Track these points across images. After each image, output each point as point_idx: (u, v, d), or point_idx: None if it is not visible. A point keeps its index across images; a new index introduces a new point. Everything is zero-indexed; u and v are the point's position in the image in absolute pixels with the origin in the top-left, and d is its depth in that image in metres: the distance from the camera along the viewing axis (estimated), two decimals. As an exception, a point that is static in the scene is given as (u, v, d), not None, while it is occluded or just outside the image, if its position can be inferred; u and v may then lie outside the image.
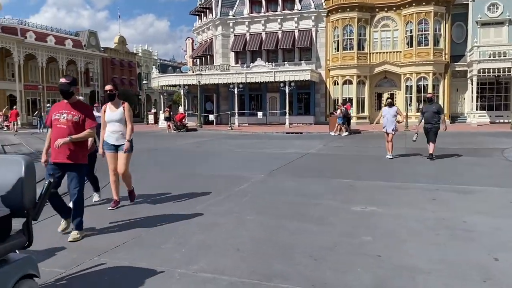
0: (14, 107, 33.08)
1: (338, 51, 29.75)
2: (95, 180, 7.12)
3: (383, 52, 29.42)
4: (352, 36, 29.18)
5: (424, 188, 7.88)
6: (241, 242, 4.89)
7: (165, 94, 61.31)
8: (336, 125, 22.21)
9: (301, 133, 24.73)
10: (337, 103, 29.86)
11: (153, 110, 41.70)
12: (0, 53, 39.21)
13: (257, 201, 7.01)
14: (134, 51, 63.85)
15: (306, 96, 31.34)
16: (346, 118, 22.37)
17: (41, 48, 42.31)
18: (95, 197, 7.14)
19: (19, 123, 35.70)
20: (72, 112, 5.15)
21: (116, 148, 6.50)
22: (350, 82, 29.46)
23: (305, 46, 30.45)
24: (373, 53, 29.66)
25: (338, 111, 22.45)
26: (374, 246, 4.70)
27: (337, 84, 30.01)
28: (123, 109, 6.38)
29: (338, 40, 29.68)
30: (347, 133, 22.07)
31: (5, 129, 31.61)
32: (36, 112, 32.43)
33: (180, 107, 27.93)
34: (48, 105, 33.07)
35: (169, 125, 27.43)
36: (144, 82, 40.17)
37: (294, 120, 30.01)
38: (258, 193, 7.60)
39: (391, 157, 11.91)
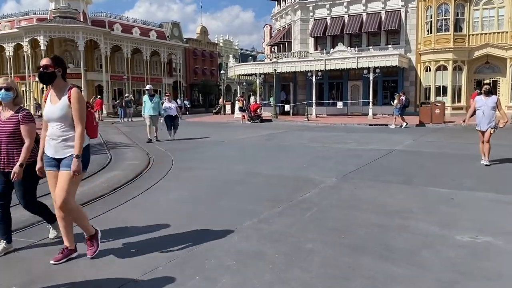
0: (98, 96, 34.21)
1: (431, 33, 26.46)
2: (42, 207, 4.51)
3: (485, 34, 25.59)
4: (448, 16, 25.72)
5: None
6: (289, 296, 3.34)
7: (244, 84, 61.25)
8: (394, 116, 20.63)
9: (386, 125, 22.23)
10: (429, 91, 26.79)
11: (221, 101, 41.64)
12: (89, 45, 40.95)
13: (323, 218, 5.35)
14: (216, 41, 64.24)
15: (392, 84, 28.45)
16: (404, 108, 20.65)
17: (126, 39, 43.60)
18: (51, 233, 4.66)
19: (104, 112, 37.15)
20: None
21: (57, 163, 3.95)
22: (445, 68, 26.08)
23: (392, 28, 27.53)
24: (472, 34, 25.94)
25: (396, 100, 20.50)
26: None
27: (429, 70, 26.77)
28: (69, 99, 3.86)
29: (431, 21, 26.38)
30: (405, 124, 20.08)
31: (90, 119, 32.81)
32: (118, 101, 33.23)
33: (251, 97, 26.72)
34: (126, 95, 33.73)
35: (243, 116, 26.41)
36: (222, 72, 39.62)
37: (378, 110, 27.42)
38: (327, 206, 5.93)
39: (487, 163, 8.99)
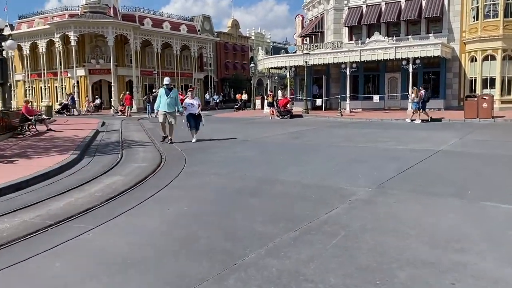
0: (127, 92, 33.75)
1: (477, 20, 24.22)
2: None
3: (540, 18, 23.19)
4: (497, 0, 23.42)
5: None
6: None
7: (276, 77, 59.88)
8: (412, 110, 20.00)
9: (427, 120, 20.42)
10: (475, 83, 24.62)
11: (242, 96, 40.17)
12: (119, 41, 40.68)
13: (352, 249, 4.07)
14: (247, 35, 63.04)
15: (434, 76, 26.34)
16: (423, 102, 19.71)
17: (156, 34, 43.04)
18: None
19: (134, 107, 36.76)
20: None
21: None
22: (493, 58, 23.81)
23: (434, 16, 25.41)
24: (525, 20, 23.58)
25: (413, 94, 19.83)
26: None
27: (475, 60, 24.55)
28: None
29: (477, 7, 24.13)
30: (420, 120, 19.37)
31: (119, 114, 32.37)
32: (145, 96, 32.62)
33: (279, 91, 25.35)
34: (154, 90, 33.09)
35: (272, 111, 25.11)
36: (251, 65, 38.35)
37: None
38: (357, 230, 4.63)
39: None
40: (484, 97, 19.83)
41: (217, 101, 44.04)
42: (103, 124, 21.14)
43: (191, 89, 15.61)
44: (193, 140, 12.74)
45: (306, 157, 9.83)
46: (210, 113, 31.18)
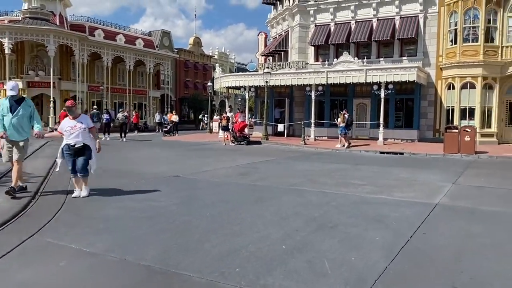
0: (64, 108, 29.52)
1: (455, 43, 21.95)
2: None
3: (523, 45, 21.16)
4: (477, 23, 21.25)
5: None
6: None
7: (240, 99, 56.88)
8: (339, 136, 19.81)
9: (402, 153, 17.65)
10: (452, 113, 22.20)
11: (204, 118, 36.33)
12: (64, 52, 36.66)
13: None
14: (210, 54, 60.06)
15: (409, 103, 23.80)
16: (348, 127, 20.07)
17: (106, 46, 39.25)
18: None
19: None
20: None
21: None
22: (472, 86, 21.47)
23: (408, 37, 22.98)
24: (506, 46, 21.39)
25: (340, 119, 19.66)
26: None
27: (453, 88, 22.15)
28: None
29: (456, 29, 21.89)
30: (346, 144, 19.43)
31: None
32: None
33: (229, 113, 22.00)
34: (95, 107, 29.11)
35: (227, 136, 21.82)
36: (209, 84, 35.08)
37: (389, 134, 22.81)
38: None
39: None
40: (467, 129, 17.27)
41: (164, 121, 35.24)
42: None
43: (69, 102, 7.58)
44: (79, 194, 7.42)
45: (246, 214, 6.45)
46: (156, 135, 27.59)
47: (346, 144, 19.42)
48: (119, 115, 22.42)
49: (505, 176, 11.33)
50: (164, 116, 36.16)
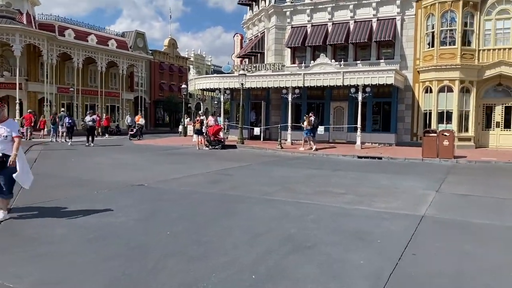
0: (29, 111, 28.14)
1: (432, 47, 21.70)
2: None
3: (499, 49, 20.95)
4: (454, 26, 21.05)
5: None
6: None
7: (216, 102, 55.96)
8: (303, 139, 20.28)
9: (380, 158, 17.20)
10: (429, 117, 21.95)
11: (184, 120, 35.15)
12: (32, 52, 35.11)
13: None
14: (186, 55, 58.96)
15: (385, 106, 23.44)
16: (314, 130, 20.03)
17: (77, 46, 37.83)
18: None
19: (46, 130, 31.18)
20: None
21: None
22: (450, 90, 21.23)
23: (386, 40, 22.63)
24: (483, 50, 21.29)
25: (306, 122, 19.63)
26: None
27: (430, 91, 21.90)
28: None
29: (433, 32, 21.64)
30: (315, 147, 19.53)
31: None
32: (52, 117, 27.09)
33: (210, 116, 20.99)
34: (62, 109, 27.74)
35: (201, 140, 20.99)
36: (183, 86, 34.12)
37: (367, 138, 22.38)
38: None
39: None
40: (445, 133, 16.93)
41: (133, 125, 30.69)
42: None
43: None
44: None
45: (213, 232, 5.69)
46: (128, 140, 26.44)
47: (315, 147, 19.42)
48: (87, 118, 21.19)
49: (488, 183, 10.90)
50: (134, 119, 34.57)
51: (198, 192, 8.66)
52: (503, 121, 21.63)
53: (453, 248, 5.16)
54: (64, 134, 23.70)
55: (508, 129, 21.49)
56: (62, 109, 27.74)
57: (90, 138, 20.73)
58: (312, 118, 19.76)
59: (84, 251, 4.84)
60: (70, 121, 21.69)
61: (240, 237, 5.44)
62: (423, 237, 5.60)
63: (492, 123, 21.90)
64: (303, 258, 4.65)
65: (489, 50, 21.19)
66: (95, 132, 23.12)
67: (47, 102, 34.65)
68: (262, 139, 24.81)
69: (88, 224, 5.98)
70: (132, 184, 9.45)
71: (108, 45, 41.51)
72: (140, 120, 29.56)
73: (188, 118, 36.76)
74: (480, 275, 4.29)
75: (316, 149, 19.33)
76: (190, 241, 5.24)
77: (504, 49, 20.91)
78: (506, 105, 21.46)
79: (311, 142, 19.72)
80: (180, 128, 37.40)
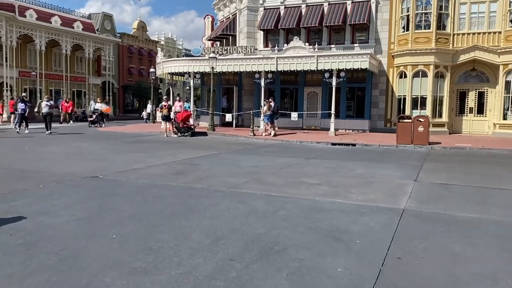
0: (11, 97, 26.32)
1: (407, 30, 21.25)
2: None
3: (473, 33, 20.71)
4: (429, 9, 20.63)
5: None
6: None
7: (188, 87, 54.53)
8: (263, 124, 20.15)
9: (354, 145, 16.72)
10: (403, 103, 21.60)
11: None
12: (-11, 33, 32.96)
13: None
14: (156, 39, 57.08)
15: (359, 92, 22.94)
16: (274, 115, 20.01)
17: (39, 28, 35.78)
18: None
19: (5, 116, 29.41)
20: None
21: None
22: (424, 74, 20.89)
23: (360, 23, 22.01)
24: (457, 34, 21.00)
25: (265, 107, 19.60)
26: None
27: (405, 76, 21.52)
28: None
29: (408, 15, 21.18)
30: (273, 132, 19.57)
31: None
32: (14, 102, 25.31)
33: (165, 101, 19.84)
34: (24, 94, 26.02)
35: (169, 127, 20.02)
36: (151, 70, 32.84)
37: (340, 124, 21.89)
38: None
39: None
40: (420, 119, 16.56)
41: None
42: None
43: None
44: None
45: (168, 234, 4.91)
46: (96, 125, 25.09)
47: (273, 133, 19.45)
48: (43, 103, 19.65)
49: (465, 171, 10.47)
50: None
51: (157, 185, 7.83)
52: (476, 106, 21.50)
53: (441, 249, 4.55)
54: (17, 120, 21.87)
55: (481, 115, 21.39)
56: (23, 94, 26.02)
57: (48, 126, 19.36)
58: (272, 104, 19.82)
59: (9, 261, 3.99)
60: (23, 106, 19.96)
61: (200, 241, 4.69)
62: (406, 236, 4.98)
63: (466, 108, 21.74)
64: (271, 267, 3.94)
65: (463, 34, 20.91)
66: (59, 119, 21.55)
67: (7, 87, 32.69)
68: (234, 126, 24.02)
69: (21, 225, 5.10)
70: (86, 176, 8.53)
71: (73, 27, 39.54)
72: (98, 105, 27.98)
73: (155, 105, 35.31)
74: (477, 283, 3.68)
75: (275, 134, 19.35)
76: (139, 247, 4.44)
77: (479, 33, 20.67)
78: (479, 90, 21.32)
79: (270, 127, 19.69)
80: (144, 114, 36.17)
